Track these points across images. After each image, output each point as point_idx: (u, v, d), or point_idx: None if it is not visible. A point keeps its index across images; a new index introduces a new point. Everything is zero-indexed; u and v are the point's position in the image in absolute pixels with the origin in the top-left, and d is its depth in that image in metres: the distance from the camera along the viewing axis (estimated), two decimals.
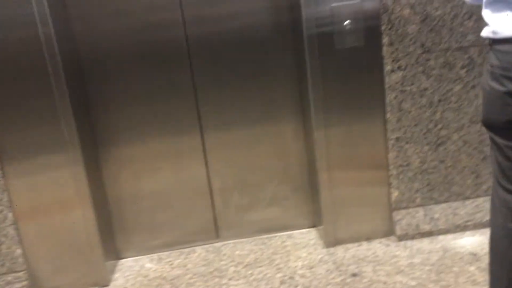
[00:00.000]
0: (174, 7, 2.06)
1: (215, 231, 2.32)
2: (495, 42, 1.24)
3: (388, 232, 2.19)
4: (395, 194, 2.18)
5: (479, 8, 1.98)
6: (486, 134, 2.14)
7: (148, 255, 2.31)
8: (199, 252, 2.30)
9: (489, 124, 1.31)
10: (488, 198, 2.22)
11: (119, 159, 2.18)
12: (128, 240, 2.29)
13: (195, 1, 2.06)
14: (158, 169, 2.22)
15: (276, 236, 2.33)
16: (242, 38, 2.11)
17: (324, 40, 1.95)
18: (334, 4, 1.91)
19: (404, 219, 2.19)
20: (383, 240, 2.20)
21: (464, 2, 1.96)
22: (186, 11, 2.07)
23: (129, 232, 2.28)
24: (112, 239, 2.26)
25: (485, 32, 1.27)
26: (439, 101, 2.09)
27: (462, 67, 2.06)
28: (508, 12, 1.18)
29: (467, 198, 2.22)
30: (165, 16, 2.07)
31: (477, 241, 2.11)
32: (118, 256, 2.29)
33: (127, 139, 2.17)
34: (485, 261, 1.94)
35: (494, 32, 1.23)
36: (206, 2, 2.06)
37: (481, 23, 2.01)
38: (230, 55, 2.13)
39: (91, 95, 2.11)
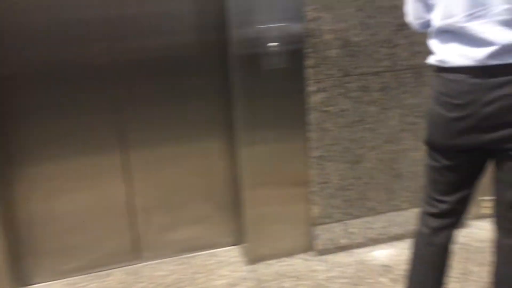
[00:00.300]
0: (97, 23, 1.95)
1: (136, 252, 2.23)
2: (442, 70, 1.30)
3: (309, 247, 2.26)
4: (315, 210, 2.26)
5: (392, 35, 2.13)
6: (397, 153, 2.30)
7: (61, 280, 2.16)
8: (117, 274, 2.19)
9: (432, 145, 1.39)
10: (399, 212, 2.38)
11: (33, 178, 2.02)
12: (38, 264, 2.12)
13: (116, 17, 1.98)
14: (74, 188, 2.09)
15: (199, 255, 2.30)
16: (168, 55, 2.06)
17: (250, 60, 1.97)
18: (261, 26, 1.94)
19: (324, 234, 2.27)
20: (303, 255, 2.26)
21: (376, 33, 2.10)
22: (109, 27, 1.97)
23: (40, 255, 2.11)
24: (21, 263, 2.08)
25: (432, 60, 1.34)
26: (357, 121, 2.21)
27: (377, 91, 2.19)
28: (456, 43, 1.25)
29: (381, 212, 2.36)
30: (87, 32, 1.96)
31: (389, 254, 2.25)
32: (27, 281, 2.11)
33: (42, 158, 2.01)
34: (396, 272, 2.07)
35: (441, 61, 1.29)
36: (130, 19, 1.98)
37: (396, 50, 2.17)
38: (155, 72, 2.07)
39: (2, 111, 1.93)
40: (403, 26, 2.12)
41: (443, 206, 1.42)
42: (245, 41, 1.94)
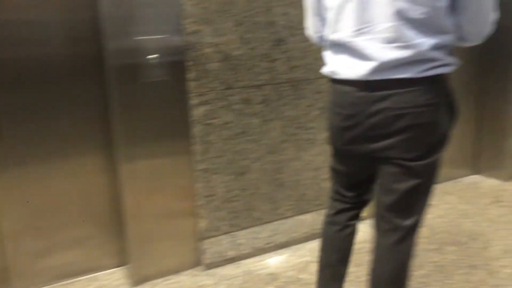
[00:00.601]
0: None
1: (4, 281, 2.01)
2: (334, 81, 1.38)
3: (197, 262, 2.23)
4: (202, 224, 2.24)
5: (270, 50, 2.21)
6: (280, 163, 2.37)
7: None
8: None
9: (332, 145, 1.52)
10: (283, 221, 2.45)
11: None
12: None
13: None
14: None
15: (78, 281, 2.14)
16: (38, 66, 1.90)
17: (129, 72, 1.90)
18: (139, 38, 1.89)
19: (211, 247, 2.26)
20: (191, 271, 2.22)
21: (255, 47, 2.16)
22: None
23: None
24: None
25: (325, 71, 1.41)
26: (240, 133, 2.24)
27: (259, 103, 2.25)
28: (345, 56, 1.32)
29: (266, 222, 2.42)
30: None
31: (275, 262, 2.30)
32: None
33: None
34: (282, 279, 2.12)
35: (333, 73, 1.37)
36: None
37: (275, 64, 2.26)
38: (25, 84, 1.90)
39: None
40: (280, 41, 2.22)
41: (344, 198, 1.57)
42: (122, 52, 1.87)
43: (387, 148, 1.31)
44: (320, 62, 2.37)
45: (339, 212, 1.59)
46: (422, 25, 1.20)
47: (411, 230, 1.40)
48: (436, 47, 1.22)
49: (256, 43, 2.17)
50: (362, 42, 1.25)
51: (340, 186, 1.57)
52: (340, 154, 1.50)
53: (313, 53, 2.32)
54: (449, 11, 1.22)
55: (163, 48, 1.95)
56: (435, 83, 1.26)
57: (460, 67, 1.34)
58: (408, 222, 1.38)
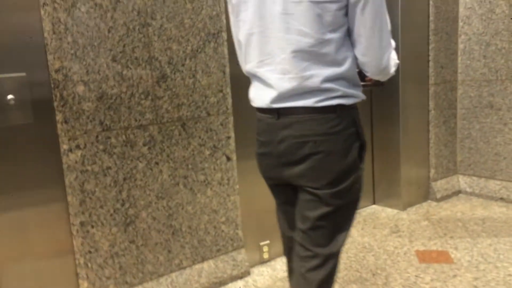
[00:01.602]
0: None
1: None
2: (255, 109, 1.43)
3: None
4: (84, 285, 1.95)
5: (152, 88, 2.06)
6: (172, 209, 2.18)
7: None
8: None
9: (262, 176, 1.51)
10: (181, 271, 2.23)
11: None
12: None
13: None
14: None
15: None
16: None
17: None
18: None
19: None
20: None
21: (135, 85, 2.01)
22: None
23: None
24: None
25: (250, 99, 1.46)
26: (124, 179, 2.03)
27: (144, 145, 2.07)
28: (256, 85, 1.38)
29: (161, 275, 2.18)
30: None
31: None
32: None
33: None
34: None
35: (251, 100, 1.43)
36: None
37: (159, 102, 2.12)
38: None
39: None
40: (163, 78, 2.08)
41: (288, 242, 1.52)
42: None
43: (296, 176, 1.35)
44: (209, 99, 2.29)
45: (289, 258, 1.54)
46: (312, 57, 1.25)
47: (330, 258, 1.38)
48: (329, 79, 1.26)
49: (136, 80, 2.02)
50: (265, 73, 1.32)
51: (282, 224, 1.56)
52: (267, 182, 1.52)
53: (200, 89, 2.21)
54: (345, 44, 1.28)
55: (25, 87, 1.73)
56: (335, 113, 1.29)
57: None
58: (326, 249, 1.37)
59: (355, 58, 1.31)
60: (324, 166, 1.31)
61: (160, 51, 2.08)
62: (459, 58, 3.58)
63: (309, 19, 1.21)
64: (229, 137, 2.34)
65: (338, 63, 1.27)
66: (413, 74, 3.31)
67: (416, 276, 2.35)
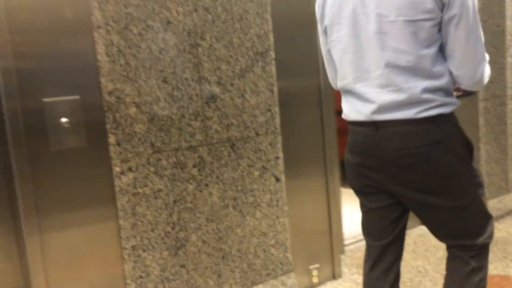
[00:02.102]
0: None
1: None
2: (349, 123, 1.51)
3: None
4: None
5: (201, 108, 2.03)
6: (222, 232, 2.12)
7: None
8: None
9: (352, 187, 1.59)
10: None
11: None
12: None
13: None
14: None
15: None
16: None
17: (35, 140, 1.64)
18: (47, 99, 1.65)
19: None
20: None
21: (184, 106, 1.98)
22: None
23: None
24: None
25: (343, 115, 1.53)
26: (175, 202, 1.99)
27: (194, 166, 2.03)
28: (351, 100, 1.45)
29: None
30: None
31: None
32: None
33: None
34: None
35: (345, 116, 1.51)
36: None
37: (208, 123, 2.08)
38: None
39: None
40: (212, 98, 2.05)
41: (374, 252, 1.58)
42: (26, 115, 1.62)
43: (401, 184, 1.40)
44: (258, 119, 2.25)
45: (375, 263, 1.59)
46: (410, 71, 1.30)
47: (482, 249, 1.50)
48: (427, 90, 1.31)
49: (185, 101, 1.99)
50: (361, 88, 1.39)
51: (368, 236, 1.60)
52: (360, 194, 1.57)
53: (249, 109, 2.17)
54: (439, 58, 1.33)
55: (78, 110, 1.72)
56: (435, 123, 1.33)
57: None
58: (477, 241, 1.47)
59: (449, 71, 1.36)
60: (430, 174, 1.36)
61: (209, 71, 2.05)
62: (508, 72, 3.44)
63: (404, 36, 1.28)
64: (277, 157, 2.28)
65: (435, 76, 1.32)
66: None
67: None
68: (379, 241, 1.56)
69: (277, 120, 2.27)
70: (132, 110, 1.86)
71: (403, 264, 2.70)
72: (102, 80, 1.80)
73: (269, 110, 2.24)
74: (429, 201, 1.41)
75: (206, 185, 2.08)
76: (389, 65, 1.31)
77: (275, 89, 2.25)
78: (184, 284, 2.03)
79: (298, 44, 2.35)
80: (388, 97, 1.33)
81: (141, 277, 1.92)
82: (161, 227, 1.96)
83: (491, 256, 2.69)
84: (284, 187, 2.32)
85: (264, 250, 2.27)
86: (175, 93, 1.96)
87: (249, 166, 2.20)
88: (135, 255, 1.90)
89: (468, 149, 1.41)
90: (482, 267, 1.52)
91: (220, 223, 2.13)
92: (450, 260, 1.55)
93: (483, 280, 1.52)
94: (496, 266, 2.57)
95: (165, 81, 1.93)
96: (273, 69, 2.23)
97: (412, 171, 1.37)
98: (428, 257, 2.80)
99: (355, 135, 1.47)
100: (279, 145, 2.28)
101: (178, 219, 2.00)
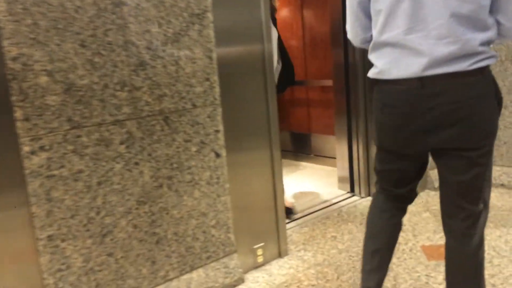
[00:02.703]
0: None
1: None
2: (384, 82, 1.42)
3: None
4: None
5: (129, 77, 1.78)
6: (156, 215, 1.92)
7: None
8: None
9: (383, 150, 1.57)
10: (166, 284, 1.98)
11: None
12: None
13: None
14: None
15: None
16: None
17: None
18: None
19: None
20: None
21: (108, 74, 1.73)
22: None
23: None
24: None
25: (373, 74, 1.46)
26: (99, 184, 1.76)
27: (121, 143, 1.80)
28: (396, 55, 1.37)
29: None
30: None
31: None
32: None
33: None
34: None
35: (382, 73, 1.42)
36: None
37: (137, 94, 1.84)
38: None
39: None
40: (142, 65, 1.80)
41: (392, 193, 1.63)
42: None
43: (445, 141, 1.37)
44: (195, 89, 2.03)
45: (386, 201, 1.64)
46: (470, 22, 1.29)
47: (481, 214, 1.49)
48: (483, 43, 1.31)
49: (110, 69, 1.73)
50: (414, 39, 1.32)
51: (388, 185, 1.62)
52: (392, 154, 1.53)
53: (184, 78, 1.94)
54: (489, 10, 1.32)
55: None
56: (483, 74, 1.34)
57: None
58: (480, 206, 1.47)
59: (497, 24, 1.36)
60: (475, 128, 1.35)
61: (137, 34, 1.79)
62: None
63: None
64: (217, 131, 2.09)
65: (488, 28, 1.33)
66: None
67: (427, 275, 2.16)
68: (398, 188, 1.61)
69: (217, 90, 2.06)
70: (43, 79, 1.59)
71: (350, 237, 2.64)
72: (5, 43, 1.51)
73: (208, 79, 2.02)
74: (468, 157, 1.39)
75: (136, 163, 1.85)
76: (452, 14, 1.28)
77: (214, 55, 2.02)
78: (112, 274, 1.83)
79: (239, 5, 2.12)
80: (445, 49, 1.29)
81: (60, 270, 1.69)
82: (83, 212, 1.73)
83: (436, 225, 2.68)
84: (225, 163, 2.14)
85: (204, 232, 2.10)
86: (96, 59, 1.70)
87: (185, 141, 1.99)
88: (52, 245, 1.67)
89: (500, 104, 1.41)
90: (483, 238, 1.55)
91: (154, 205, 1.92)
92: (451, 240, 1.56)
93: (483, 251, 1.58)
94: (441, 236, 2.55)
95: (83, 45, 1.66)
96: (211, 33, 2.00)
97: (463, 125, 1.34)
98: None
99: (395, 94, 1.40)
100: (219, 118, 2.08)
101: (104, 202, 1.78)
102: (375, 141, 1.58)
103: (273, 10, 2.87)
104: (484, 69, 1.34)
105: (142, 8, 1.79)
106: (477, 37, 1.30)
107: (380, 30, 1.40)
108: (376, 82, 1.47)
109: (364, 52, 2.77)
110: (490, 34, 1.34)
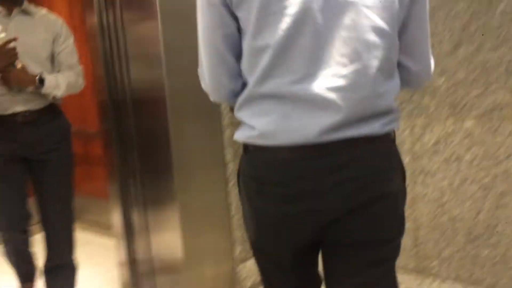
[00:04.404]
0: None
1: None
2: (261, 149, 1.00)
3: None
4: None
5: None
6: None
7: None
8: None
9: (262, 249, 1.13)
10: None
11: None
12: None
13: None
14: None
15: None
16: None
17: None
18: None
19: None
20: None
21: None
22: None
23: None
24: None
25: (243, 137, 1.03)
26: None
27: None
28: (285, 112, 0.95)
29: None
30: None
31: None
32: None
33: None
34: None
35: (262, 137, 0.98)
36: None
37: None
38: None
39: None
40: None
41: None
42: None
43: (350, 231, 1.00)
44: None
45: None
46: (385, 65, 0.95)
47: None
48: (394, 94, 0.99)
49: None
50: (315, 89, 0.93)
51: None
52: (279, 255, 1.09)
53: None
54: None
55: None
56: (392, 140, 1.03)
57: None
58: None
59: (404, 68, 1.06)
60: (391, 211, 1.01)
61: None
62: None
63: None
64: None
65: (395, 75, 1.01)
66: None
67: None
68: None
69: None
70: None
71: None
72: None
73: None
74: (377, 249, 1.02)
75: None
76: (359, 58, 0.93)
77: None
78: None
79: None
80: (358, 104, 0.93)
81: None
82: None
83: None
84: None
85: None
86: None
87: None
88: None
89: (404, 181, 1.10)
90: None
91: None
92: None
93: None
94: None
95: None
96: None
97: (367, 210, 0.98)
98: None
99: (281, 167, 0.97)
100: None
101: None
102: (251, 243, 1.12)
103: None
104: (392, 134, 1.02)
105: None
106: (390, 87, 0.98)
107: (261, 76, 0.96)
108: (248, 149, 1.03)
109: None
110: (397, 83, 1.01)
